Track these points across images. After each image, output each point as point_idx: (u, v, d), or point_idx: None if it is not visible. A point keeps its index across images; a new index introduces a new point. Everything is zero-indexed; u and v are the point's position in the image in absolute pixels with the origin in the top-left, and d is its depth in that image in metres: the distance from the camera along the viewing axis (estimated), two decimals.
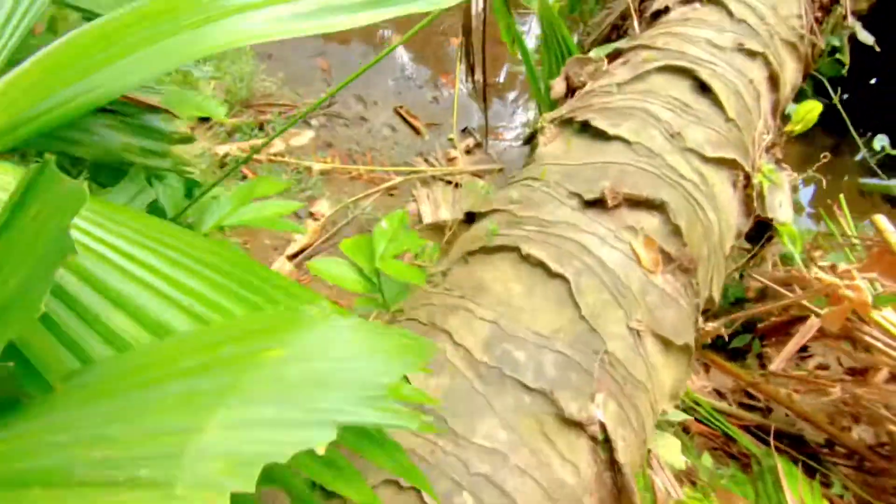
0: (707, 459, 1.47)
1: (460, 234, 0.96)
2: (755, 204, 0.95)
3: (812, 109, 0.97)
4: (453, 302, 0.73)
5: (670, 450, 1.09)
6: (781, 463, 1.30)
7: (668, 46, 1.08)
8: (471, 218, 0.92)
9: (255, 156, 2.72)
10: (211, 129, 2.78)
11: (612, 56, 1.17)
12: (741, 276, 1.47)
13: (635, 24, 1.25)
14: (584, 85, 1.15)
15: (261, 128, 3.02)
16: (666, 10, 1.22)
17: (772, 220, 0.97)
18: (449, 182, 2.70)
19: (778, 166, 1.03)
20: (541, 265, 0.73)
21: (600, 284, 0.72)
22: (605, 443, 0.62)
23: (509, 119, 3.09)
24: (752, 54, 1.08)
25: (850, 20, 1.30)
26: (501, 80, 3.24)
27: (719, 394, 1.80)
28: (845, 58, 1.49)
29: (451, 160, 2.83)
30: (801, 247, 0.97)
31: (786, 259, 1.21)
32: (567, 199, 0.83)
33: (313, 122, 3.21)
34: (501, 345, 0.66)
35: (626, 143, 0.88)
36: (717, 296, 0.91)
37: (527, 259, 0.74)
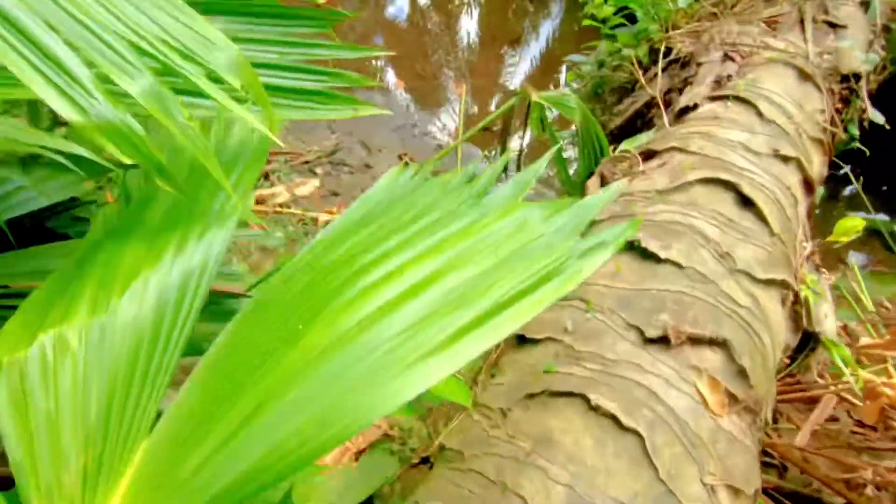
0: None
1: (508, 352, 0.94)
2: (803, 320, 0.94)
3: (856, 226, 0.99)
4: (521, 455, 0.70)
5: None
6: None
7: (704, 151, 1.09)
8: (521, 339, 0.91)
9: (260, 206, 2.69)
10: None
11: (645, 154, 1.18)
12: None
13: (664, 117, 1.27)
14: None
15: (266, 177, 2.99)
16: (694, 106, 1.24)
17: (819, 333, 0.96)
18: None
19: (818, 273, 1.03)
20: (611, 416, 0.71)
21: (673, 437, 0.70)
22: None
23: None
24: (786, 159, 1.09)
25: (870, 111, 1.34)
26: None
27: None
28: (856, 136, 1.52)
29: None
30: (853, 365, 0.97)
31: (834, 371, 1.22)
32: (625, 331, 0.81)
33: (318, 170, 3.20)
34: None
35: (679, 267, 0.88)
36: (769, 417, 0.90)
37: (596, 409, 0.72)
